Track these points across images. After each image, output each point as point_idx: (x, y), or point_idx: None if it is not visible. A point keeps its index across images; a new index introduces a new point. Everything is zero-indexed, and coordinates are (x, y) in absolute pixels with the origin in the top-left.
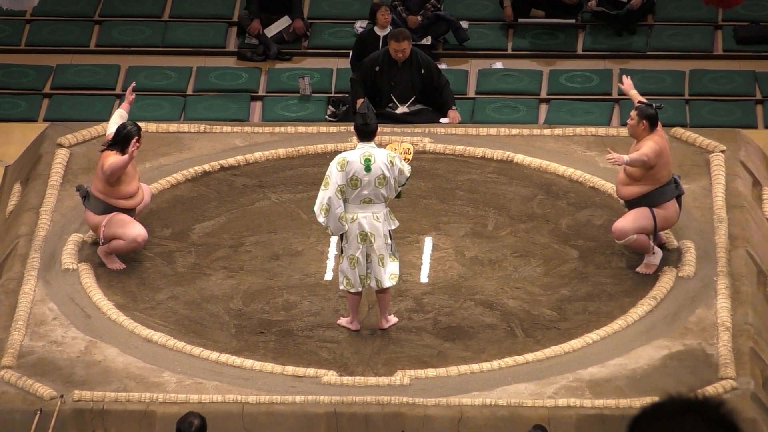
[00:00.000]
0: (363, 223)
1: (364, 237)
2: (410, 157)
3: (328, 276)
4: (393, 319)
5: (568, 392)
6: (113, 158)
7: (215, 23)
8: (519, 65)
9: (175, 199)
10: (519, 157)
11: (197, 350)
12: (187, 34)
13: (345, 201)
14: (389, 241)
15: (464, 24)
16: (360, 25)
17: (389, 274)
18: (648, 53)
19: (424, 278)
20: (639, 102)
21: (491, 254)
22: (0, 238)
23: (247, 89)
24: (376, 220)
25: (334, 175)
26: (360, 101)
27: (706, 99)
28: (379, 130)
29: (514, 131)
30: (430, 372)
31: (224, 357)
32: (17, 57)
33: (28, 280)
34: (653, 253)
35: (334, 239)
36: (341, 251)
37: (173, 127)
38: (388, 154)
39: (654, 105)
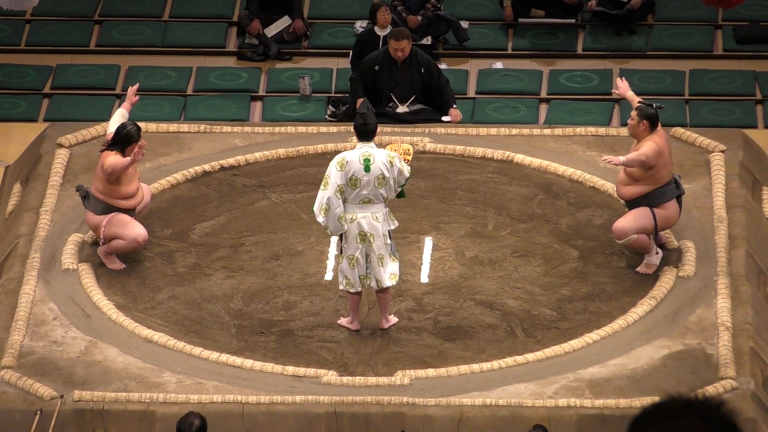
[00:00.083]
0: (362, 223)
1: (364, 237)
2: (410, 157)
3: (329, 276)
4: (393, 319)
5: (568, 392)
6: (114, 158)
7: (215, 23)
8: (519, 65)
9: (176, 199)
10: (519, 157)
11: (197, 350)
12: (187, 34)
13: (344, 201)
14: (389, 241)
15: (464, 24)
16: (360, 25)
17: (389, 273)
18: (648, 53)
19: (424, 278)
20: (639, 102)
21: (491, 254)
22: (0, 238)
23: (247, 89)
24: (375, 220)
25: (333, 175)
26: (359, 101)
27: (706, 99)
28: (379, 129)
29: (515, 131)
30: (431, 372)
31: (224, 357)
32: (17, 57)
33: (28, 280)
34: (657, 253)
35: (334, 239)
36: (341, 251)
37: (173, 127)
38: (388, 154)
39: (654, 105)
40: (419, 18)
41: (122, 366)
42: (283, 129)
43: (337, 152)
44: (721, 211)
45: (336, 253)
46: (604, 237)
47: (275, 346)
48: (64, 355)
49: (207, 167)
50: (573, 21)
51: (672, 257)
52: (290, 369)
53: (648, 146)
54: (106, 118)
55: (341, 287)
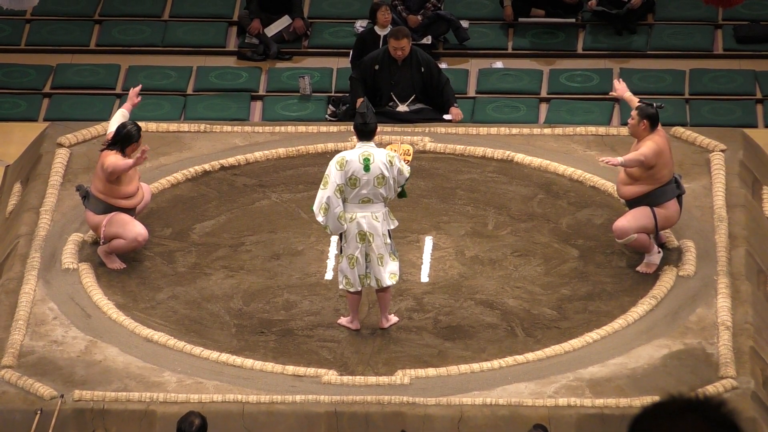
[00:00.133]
0: (362, 223)
1: (363, 236)
2: (410, 158)
3: (329, 275)
4: (393, 319)
5: (568, 392)
6: (114, 157)
7: (215, 23)
8: (519, 64)
9: (176, 198)
10: (519, 157)
11: (197, 350)
12: (187, 34)
13: (344, 200)
14: (388, 240)
15: (464, 23)
16: (360, 25)
17: (389, 273)
18: (648, 52)
19: (424, 278)
20: (639, 102)
21: (491, 253)
22: (0, 238)
23: (247, 89)
24: (374, 219)
25: (333, 174)
26: (359, 101)
27: (706, 98)
28: (379, 129)
29: (515, 130)
30: (431, 371)
31: (224, 356)
32: (17, 57)
33: (29, 280)
34: (658, 252)
35: (334, 239)
36: (341, 251)
37: (173, 126)
38: (387, 153)
39: (654, 104)
40: (419, 17)
41: (122, 365)
42: (283, 128)
43: (337, 152)
44: (721, 210)
45: (336, 252)
46: (604, 236)
47: (275, 346)
48: (64, 354)
49: (207, 167)
50: (573, 20)
51: (672, 256)
52: (290, 368)
53: (647, 146)
54: (106, 118)
55: (341, 287)
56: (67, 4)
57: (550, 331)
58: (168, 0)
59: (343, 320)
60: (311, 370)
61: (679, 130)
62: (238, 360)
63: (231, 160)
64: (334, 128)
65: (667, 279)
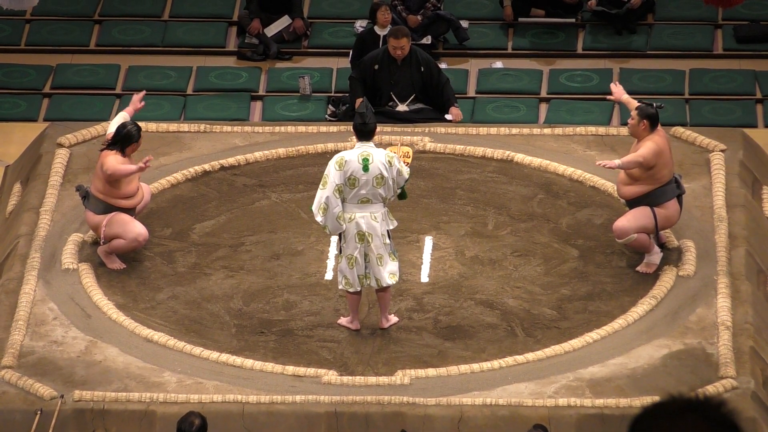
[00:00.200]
0: (360, 223)
1: (362, 237)
2: (409, 160)
3: (329, 275)
4: (393, 319)
5: (568, 392)
6: (113, 158)
7: (215, 23)
8: (519, 64)
9: (176, 198)
10: (519, 157)
11: (197, 350)
12: (187, 34)
13: (343, 200)
14: (387, 240)
15: (464, 23)
16: (360, 25)
17: (388, 273)
18: (648, 52)
19: (424, 278)
20: (640, 103)
21: (491, 253)
22: (0, 238)
23: (247, 89)
24: (373, 219)
25: (332, 174)
26: (359, 101)
27: (706, 98)
28: (378, 129)
29: (514, 130)
30: (431, 371)
31: (224, 357)
32: (17, 57)
33: (29, 280)
34: (659, 252)
35: (334, 238)
36: (340, 251)
37: (173, 126)
38: (387, 154)
39: (654, 104)
40: (419, 17)
41: (122, 366)
42: (283, 128)
43: (337, 152)
44: (721, 210)
45: (336, 252)
46: (604, 236)
47: (275, 346)
48: (64, 354)
49: (207, 167)
50: (573, 20)
51: (672, 256)
52: (290, 369)
53: (647, 147)
54: (106, 118)
55: (340, 287)
56: (67, 4)
57: (550, 331)
58: (168, 0)
59: (343, 320)
60: (311, 371)
61: (679, 130)
62: (238, 360)
63: (231, 160)
64: (334, 128)
65: (667, 279)
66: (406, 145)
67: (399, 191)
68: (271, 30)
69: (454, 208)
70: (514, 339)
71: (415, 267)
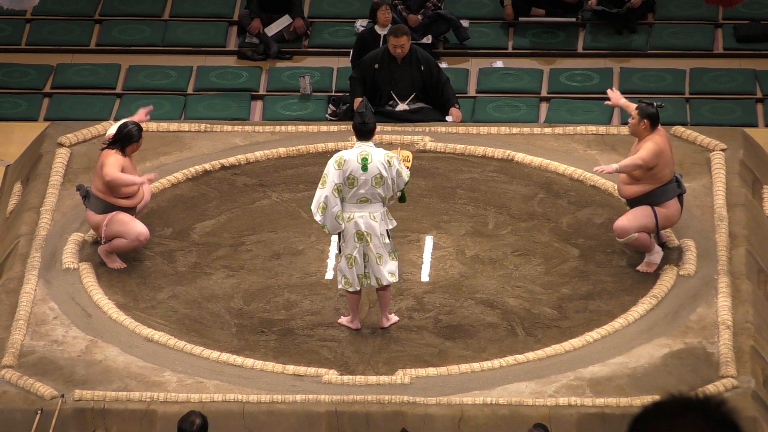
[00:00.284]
0: (359, 223)
1: (361, 236)
2: (409, 164)
3: (329, 275)
4: (393, 318)
5: (568, 391)
6: (114, 159)
7: (215, 22)
8: (519, 64)
9: (176, 198)
10: (519, 156)
11: (198, 349)
12: (188, 33)
13: (342, 200)
14: (387, 240)
15: (464, 23)
16: (360, 24)
17: (388, 272)
18: (648, 52)
19: (424, 277)
20: (641, 103)
21: (492, 253)
22: (0, 238)
23: (247, 88)
24: (372, 219)
25: (331, 173)
26: (358, 100)
27: (706, 97)
28: (378, 129)
29: (515, 130)
30: (431, 371)
31: (225, 356)
32: (17, 56)
33: (29, 280)
34: (659, 251)
35: (334, 238)
36: (340, 250)
37: (174, 126)
38: (386, 154)
39: (655, 104)
40: (419, 17)
41: (123, 365)
42: (283, 128)
43: (337, 151)
44: (721, 209)
45: (336, 252)
46: (604, 236)
47: (276, 345)
48: (64, 354)
49: (207, 166)
50: (573, 20)
51: (673, 256)
52: (291, 368)
53: (646, 148)
54: (107, 118)
55: (340, 286)
56: (67, 4)
57: (550, 330)
58: (168, 0)
59: (343, 320)
60: (312, 370)
61: (680, 130)
62: (238, 359)
63: (231, 160)
64: (334, 128)
65: (668, 278)
66: (406, 149)
67: (399, 194)
68: (272, 29)
69: (454, 207)
70: (514, 338)
71: (415, 266)
